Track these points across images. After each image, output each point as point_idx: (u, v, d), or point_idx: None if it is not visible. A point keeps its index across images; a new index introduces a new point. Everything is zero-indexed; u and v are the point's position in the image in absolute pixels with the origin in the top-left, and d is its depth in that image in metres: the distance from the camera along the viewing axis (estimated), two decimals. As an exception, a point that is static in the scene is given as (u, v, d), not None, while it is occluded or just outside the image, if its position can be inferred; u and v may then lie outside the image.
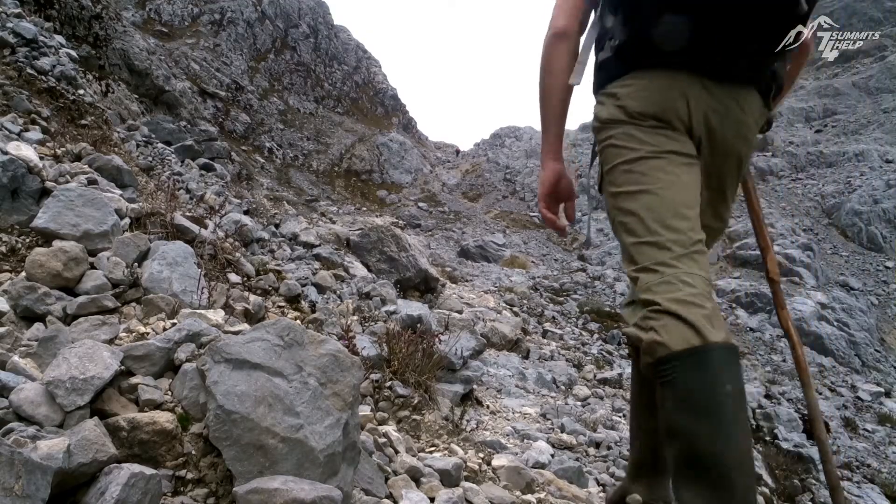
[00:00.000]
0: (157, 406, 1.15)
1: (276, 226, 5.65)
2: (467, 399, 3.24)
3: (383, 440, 1.50)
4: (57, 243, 1.68)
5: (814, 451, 6.94)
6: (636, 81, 1.24)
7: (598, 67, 1.34)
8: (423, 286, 6.07)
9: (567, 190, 1.42)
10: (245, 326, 1.60)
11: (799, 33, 1.14)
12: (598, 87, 1.34)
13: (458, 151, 36.57)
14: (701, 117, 1.22)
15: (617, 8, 1.27)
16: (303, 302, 3.24)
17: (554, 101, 1.39)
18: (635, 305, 1.18)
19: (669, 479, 1.30)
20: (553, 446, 3.33)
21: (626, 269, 1.22)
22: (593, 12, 1.38)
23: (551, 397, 4.92)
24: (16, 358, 1.20)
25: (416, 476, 1.38)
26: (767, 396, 8.37)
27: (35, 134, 2.80)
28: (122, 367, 1.19)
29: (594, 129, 1.34)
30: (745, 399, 1.04)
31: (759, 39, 1.15)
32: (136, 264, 1.82)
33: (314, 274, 4.11)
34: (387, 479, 1.33)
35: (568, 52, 1.35)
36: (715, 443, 0.98)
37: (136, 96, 12.83)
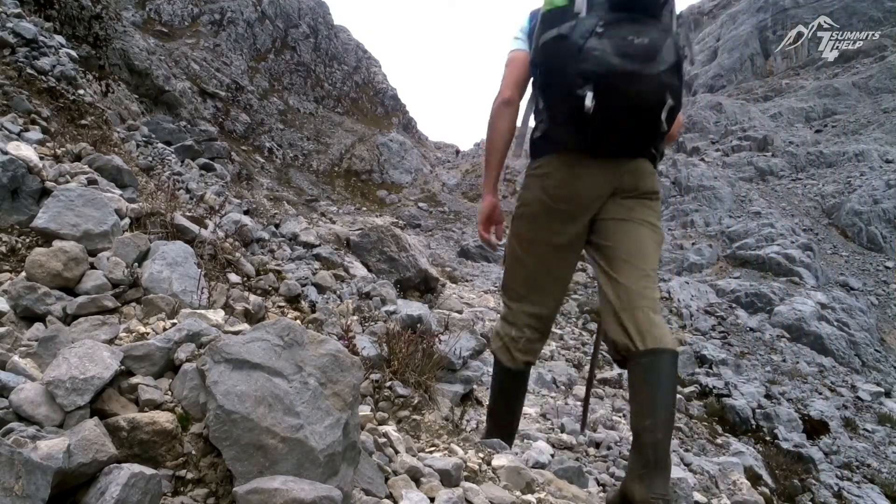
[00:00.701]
0: (157, 406, 1.15)
1: (276, 226, 5.65)
2: (467, 399, 3.24)
3: (383, 440, 1.50)
4: (57, 243, 1.68)
5: (814, 451, 6.94)
6: (553, 162, 1.72)
7: (532, 142, 1.80)
8: (423, 286, 6.07)
9: (498, 217, 1.94)
10: (245, 326, 1.60)
11: (669, 119, 1.56)
12: (531, 155, 1.82)
13: (458, 151, 36.56)
14: (607, 188, 1.71)
15: (542, 102, 1.74)
16: (303, 302, 3.24)
17: (496, 152, 1.85)
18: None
19: (668, 477, 1.48)
20: (553, 446, 3.33)
21: (501, 292, 1.93)
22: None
23: (551, 397, 4.92)
24: (16, 358, 1.20)
25: (416, 476, 1.38)
26: (767, 396, 8.37)
27: (35, 134, 2.80)
28: (122, 367, 1.19)
29: (526, 175, 1.87)
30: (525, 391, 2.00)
31: (642, 133, 1.61)
32: (136, 264, 1.82)
33: (314, 274, 4.11)
34: (387, 479, 1.34)
35: (510, 117, 1.81)
36: (503, 408, 1.98)
37: (136, 96, 12.84)
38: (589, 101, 1.48)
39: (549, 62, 1.62)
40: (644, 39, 1.51)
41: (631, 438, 1.58)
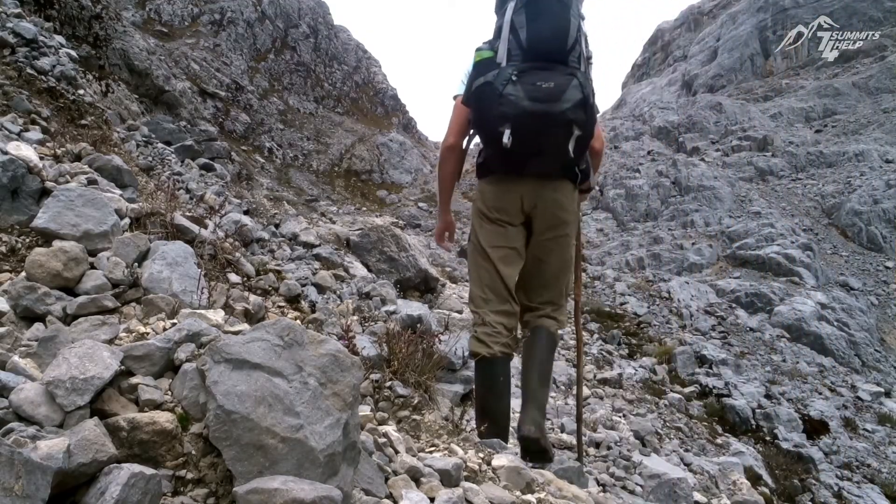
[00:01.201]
0: (157, 406, 1.15)
1: (276, 226, 5.65)
2: (467, 399, 3.24)
3: (383, 440, 1.50)
4: (57, 243, 1.68)
5: (814, 451, 6.94)
6: (490, 182, 2.17)
7: (476, 166, 2.22)
8: (423, 286, 6.07)
9: (451, 230, 2.45)
10: (245, 326, 1.60)
11: (578, 147, 1.94)
12: (478, 176, 2.25)
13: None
14: (530, 203, 2.08)
15: (479, 136, 2.14)
16: (303, 302, 3.24)
17: (445, 190, 2.36)
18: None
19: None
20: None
21: (469, 304, 2.27)
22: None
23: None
24: (16, 358, 1.20)
25: (416, 476, 1.38)
26: (767, 396, 8.37)
27: (35, 134, 2.80)
28: (122, 367, 1.19)
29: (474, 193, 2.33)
30: (509, 383, 2.13)
31: (553, 159, 1.99)
32: (136, 264, 1.82)
33: (314, 274, 4.11)
34: (387, 479, 1.34)
35: (455, 159, 2.26)
36: (492, 403, 2.10)
37: (136, 96, 12.83)
38: (506, 137, 1.86)
39: (480, 104, 2.00)
40: (550, 84, 1.86)
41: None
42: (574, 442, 3.55)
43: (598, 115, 2.03)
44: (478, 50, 2.07)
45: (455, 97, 2.20)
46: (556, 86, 1.86)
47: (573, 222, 2.18)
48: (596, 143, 2.14)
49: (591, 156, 2.21)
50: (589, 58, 2.01)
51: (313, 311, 3.13)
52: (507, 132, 1.85)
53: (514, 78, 1.87)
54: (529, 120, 1.85)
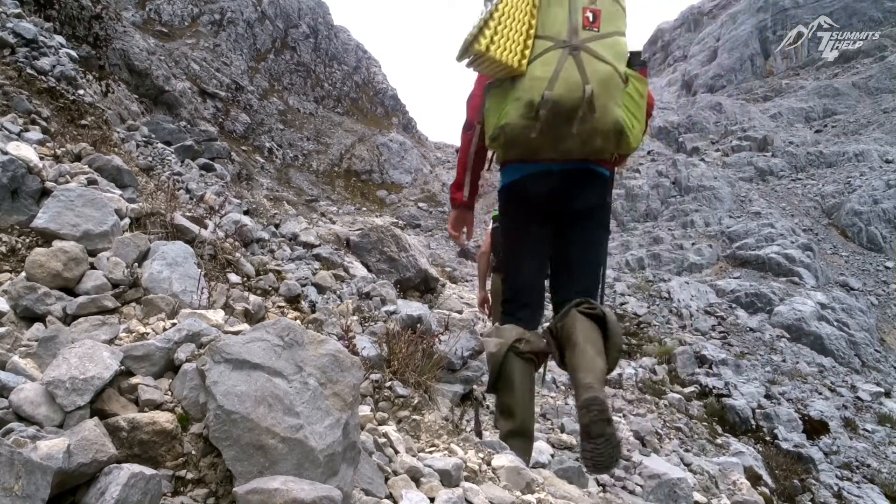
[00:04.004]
0: (157, 406, 1.15)
1: (276, 226, 5.65)
2: (467, 399, 3.24)
3: (383, 440, 1.50)
4: (57, 243, 1.68)
5: (814, 451, 6.94)
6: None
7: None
8: (423, 286, 6.06)
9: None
10: (245, 326, 1.60)
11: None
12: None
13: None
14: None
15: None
16: (303, 302, 3.24)
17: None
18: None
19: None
20: (553, 446, 3.33)
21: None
22: None
23: (551, 397, 4.92)
24: (16, 358, 1.20)
25: (416, 476, 1.38)
26: (767, 396, 8.37)
27: (35, 134, 2.80)
28: (122, 368, 1.19)
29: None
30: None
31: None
32: (136, 264, 1.82)
33: (314, 274, 4.11)
34: (387, 479, 1.34)
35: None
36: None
37: (136, 96, 12.83)
38: None
39: None
40: None
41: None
42: (574, 442, 3.55)
43: None
44: None
45: None
46: None
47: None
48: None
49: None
50: None
51: (313, 311, 3.13)
52: None
53: None
54: None
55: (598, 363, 1.67)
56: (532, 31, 1.69)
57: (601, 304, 1.89)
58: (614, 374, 6.78)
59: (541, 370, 2.04)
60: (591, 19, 1.68)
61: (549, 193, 1.86)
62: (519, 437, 1.86)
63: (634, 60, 1.77)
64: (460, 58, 1.70)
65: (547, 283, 2.07)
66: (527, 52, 1.67)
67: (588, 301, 1.82)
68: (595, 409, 1.58)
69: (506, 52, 1.63)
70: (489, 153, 2.03)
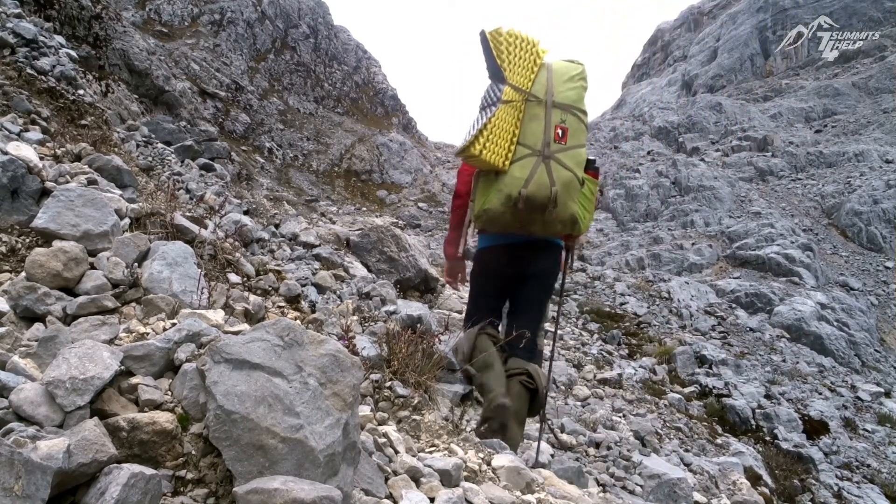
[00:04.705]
0: (157, 406, 1.15)
1: (276, 226, 5.65)
2: (467, 399, 3.23)
3: (383, 440, 1.50)
4: (57, 243, 1.68)
5: (814, 451, 6.94)
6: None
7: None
8: (423, 286, 6.06)
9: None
10: (245, 326, 1.60)
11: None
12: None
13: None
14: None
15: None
16: (303, 302, 3.24)
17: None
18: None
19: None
20: (553, 446, 3.33)
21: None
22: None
23: (551, 397, 4.92)
24: (16, 358, 1.20)
25: (416, 476, 1.38)
26: (767, 396, 8.37)
27: (35, 134, 2.80)
28: (122, 368, 1.19)
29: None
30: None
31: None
32: (136, 264, 1.82)
33: (314, 274, 4.11)
34: (387, 479, 1.34)
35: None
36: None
37: (136, 96, 12.82)
38: None
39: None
40: None
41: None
42: (574, 442, 3.55)
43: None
44: None
45: None
46: None
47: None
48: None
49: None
50: None
51: (313, 312, 3.13)
52: None
53: None
54: None
55: (516, 436, 2.18)
56: (515, 139, 2.14)
57: (536, 338, 2.42)
58: (614, 373, 6.79)
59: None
60: (560, 135, 2.16)
61: (518, 259, 2.38)
62: (496, 419, 2.10)
63: (590, 165, 2.27)
64: (459, 155, 2.18)
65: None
66: (510, 155, 2.13)
67: (528, 373, 2.31)
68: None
69: (494, 156, 2.09)
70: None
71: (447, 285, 6.25)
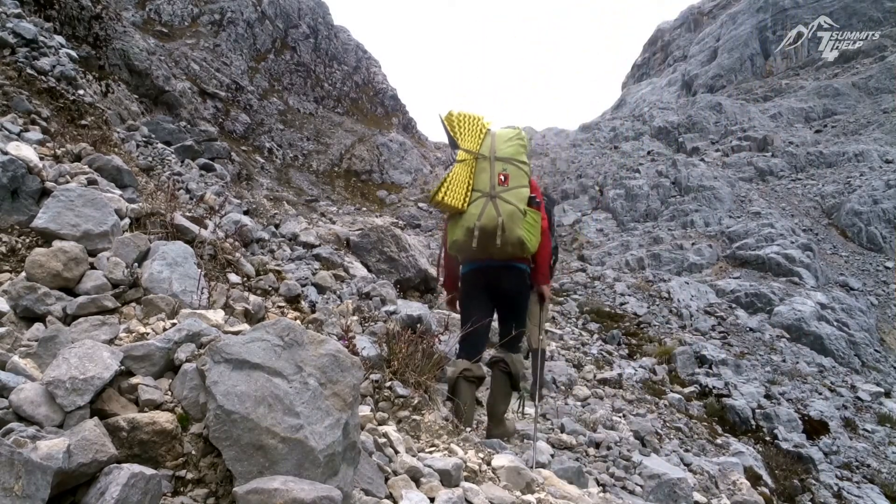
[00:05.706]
0: (157, 406, 1.15)
1: (276, 226, 5.65)
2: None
3: (383, 440, 1.50)
4: (57, 243, 1.68)
5: (814, 451, 6.94)
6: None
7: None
8: (423, 286, 6.07)
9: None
10: (245, 326, 1.60)
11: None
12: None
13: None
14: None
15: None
16: (303, 302, 3.24)
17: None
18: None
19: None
20: (553, 446, 3.33)
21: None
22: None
23: (551, 397, 4.92)
24: (16, 358, 1.20)
25: (416, 476, 1.38)
26: (767, 396, 8.37)
27: (35, 134, 2.80)
28: (122, 368, 1.19)
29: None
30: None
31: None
32: (136, 264, 1.82)
33: (314, 274, 4.11)
34: (387, 479, 1.34)
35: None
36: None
37: (136, 96, 12.82)
38: None
39: None
40: None
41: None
42: (574, 442, 3.55)
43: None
44: None
45: None
46: None
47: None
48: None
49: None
50: None
51: (313, 312, 3.13)
52: None
53: None
54: None
55: (499, 408, 2.98)
56: (470, 187, 2.78)
57: (516, 337, 2.97)
58: (614, 373, 6.79)
59: (525, 389, 3.22)
60: (503, 179, 2.78)
61: (488, 279, 2.92)
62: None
63: (532, 201, 2.80)
64: (429, 202, 2.84)
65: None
66: (467, 198, 2.76)
67: (504, 361, 2.96)
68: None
69: (454, 200, 2.73)
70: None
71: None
